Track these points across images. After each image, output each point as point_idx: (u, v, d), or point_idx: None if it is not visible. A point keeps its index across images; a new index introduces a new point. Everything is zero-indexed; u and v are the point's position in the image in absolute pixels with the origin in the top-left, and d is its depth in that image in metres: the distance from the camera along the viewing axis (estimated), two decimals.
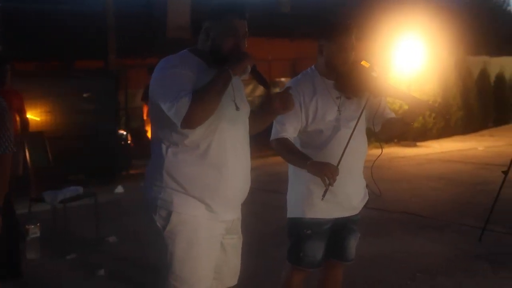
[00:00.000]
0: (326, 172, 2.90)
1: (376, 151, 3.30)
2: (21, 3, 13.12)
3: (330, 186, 2.91)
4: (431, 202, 7.64)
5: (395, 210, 7.08)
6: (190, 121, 2.46)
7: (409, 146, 13.20)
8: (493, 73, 18.29)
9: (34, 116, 9.23)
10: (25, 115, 6.84)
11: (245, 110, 2.81)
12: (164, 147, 2.65)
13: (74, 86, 10.19)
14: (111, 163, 10.15)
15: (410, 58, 13.65)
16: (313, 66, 3.27)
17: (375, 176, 3.25)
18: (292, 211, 3.26)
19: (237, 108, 2.73)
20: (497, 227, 6.08)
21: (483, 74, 17.66)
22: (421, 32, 13.53)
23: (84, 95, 10.64)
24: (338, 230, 3.29)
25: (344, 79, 3.13)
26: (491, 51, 20.85)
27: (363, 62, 3.11)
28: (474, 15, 23.73)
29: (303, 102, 3.13)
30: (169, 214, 2.62)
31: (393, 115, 3.32)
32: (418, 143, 13.64)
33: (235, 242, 2.88)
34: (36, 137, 6.37)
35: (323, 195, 2.96)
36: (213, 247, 2.71)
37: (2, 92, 6.47)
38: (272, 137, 3.20)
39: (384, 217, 6.69)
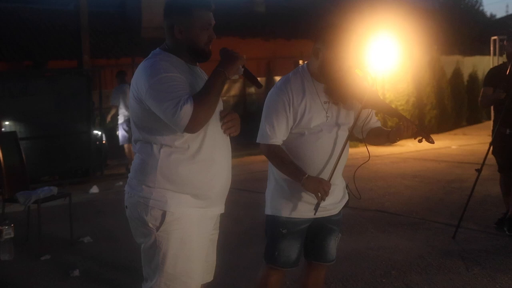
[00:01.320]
0: (321, 189, 2.94)
1: (358, 151, 3.30)
2: None
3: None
4: (405, 200, 7.71)
5: (369, 208, 7.13)
6: (194, 126, 2.50)
7: (383, 145, 13.31)
8: (466, 72, 18.51)
9: (7, 116, 9.17)
10: None
11: (219, 104, 2.80)
12: (156, 148, 2.65)
13: (47, 86, 10.10)
14: (85, 163, 10.08)
15: (383, 57, 13.74)
16: (304, 65, 3.21)
17: (349, 174, 3.28)
18: (269, 209, 3.25)
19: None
20: (470, 224, 6.17)
21: (457, 73, 17.86)
22: (395, 32, 13.63)
23: (58, 95, 10.55)
24: (317, 231, 3.27)
25: (335, 84, 3.06)
26: (464, 51, 21.14)
27: (357, 70, 3.06)
28: (447, 15, 24.02)
29: (291, 102, 3.07)
30: (164, 214, 2.63)
31: (379, 123, 3.31)
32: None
33: (214, 237, 2.91)
34: (9, 137, 6.28)
35: (315, 209, 3.02)
36: (204, 243, 2.75)
37: None
38: (261, 140, 3.14)
39: (358, 215, 6.73)
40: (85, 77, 10.35)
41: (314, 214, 3.05)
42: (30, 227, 5.96)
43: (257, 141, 3.18)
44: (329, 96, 3.11)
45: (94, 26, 12.18)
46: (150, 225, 2.65)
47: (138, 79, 2.62)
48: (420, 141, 3.16)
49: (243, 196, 7.52)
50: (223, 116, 2.76)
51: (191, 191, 2.66)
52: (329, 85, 3.09)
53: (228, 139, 2.84)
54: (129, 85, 3.65)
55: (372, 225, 6.46)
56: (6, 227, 5.45)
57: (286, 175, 3.12)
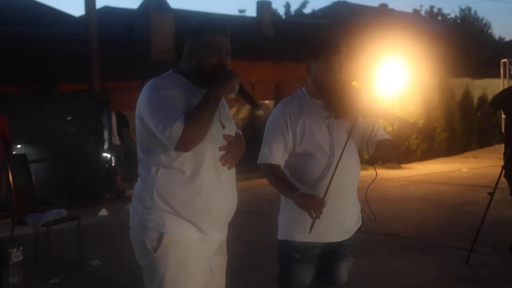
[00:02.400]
0: (312, 206, 2.91)
1: (368, 173, 3.27)
2: (4, 26, 13.15)
3: (316, 219, 2.92)
4: (416, 224, 7.64)
5: (380, 232, 7.06)
6: (185, 144, 2.46)
7: (393, 168, 13.25)
8: (476, 95, 18.46)
9: (17, 138, 9.21)
10: (8, 137, 6.81)
11: (231, 129, 2.79)
12: (153, 169, 2.63)
13: (57, 109, 10.16)
14: (94, 186, 10.08)
15: (392, 79, 13.76)
16: (303, 88, 3.23)
17: (361, 197, 3.24)
18: (282, 233, 3.21)
19: (223, 127, 2.72)
20: (483, 248, 6.07)
21: (466, 96, 17.83)
22: (404, 54, 13.66)
23: (68, 117, 10.62)
24: (329, 255, 3.22)
25: (333, 98, 3.07)
26: (473, 74, 21.11)
27: (354, 83, 3.06)
28: (456, 38, 24.08)
29: (289, 122, 3.09)
30: (161, 235, 2.59)
31: (387, 136, 3.26)
32: (402, 165, 13.70)
33: (221, 262, 2.86)
34: (19, 159, 6.30)
35: (310, 229, 2.95)
36: (203, 268, 2.69)
37: None
38: (260, 161, 3.16)
39: (369, 238, 6.65)
40: (95, 100, 10.40)
41: (309, 232, 2.97)
42: (39, 249, 5.93)
43: (257, 162, 3.19)
44: (328, 111, 3.11)
45: (103, 50, 12.26)
46: (149, 246, 2.62)
47: (140, 97, 2.63)
48: (421, 140, 3.16)
49: (253, 220, 7.47)
50: (228, 143, 2.72)
51: (189, 216, 2.61)
52: (325, 98, 3.10)
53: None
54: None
55: (383, 249, 6.39)
56: (15, 250, 5.42)
57: (280, 192, 3.13)
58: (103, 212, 8.91)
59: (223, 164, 2.68)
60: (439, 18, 39.02)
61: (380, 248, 6.42)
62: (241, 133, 2.90)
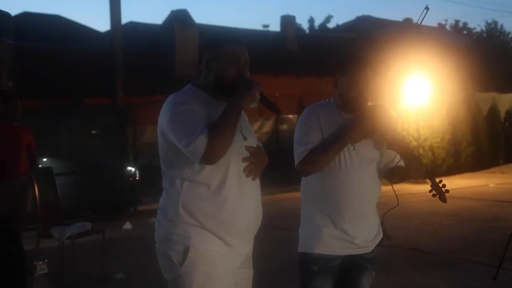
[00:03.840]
0: (369, 123, 2.99)
1: (386, 188, 3.24)
2: (32, 41, 13.35)
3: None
4: (441, 239, 7.55)
5: (404, 247, 6.99)
6: (210, 157, 2.47)
7: (419, 183, 13.08)
8: (502, 109, 18.24)
9: (43, 152, 9.31)
10: (34, 150, 6.87)
11: (252, 140, 2.78)
12: (178, 182, 2.64)
13: (82, 123, 10.27)
14: (119, 199, 10.14)
15: (418, 94, 13.69)
16: (331, 99, 3.22)
17: (383, 212, 3.22)
18: (301, 246, 3.21)
19: (245, 139, 2.72)
20: (511, 265, 5.97)
21: (493, 110, 17.63)
22: (429, 69, 13.59)
23: (93, 131, 10.73)
24: (350, 268, 3.20)
25: (356, 113, 3.07)
26: (500, 88, 20.89)
27: (382, 105, 3.10)
28: (482, 52, 23.88)
29: (320, 122, 3.07)
30: (186, 249, 2.59)
31: (401, 162, 3.23)
32: (428, 180, 13.55)
33: (247, 275, 2.84)
34: (44, 173, 6.37)
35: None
36: (229, 281, 2.68)
37: (12, 128, 6.55)
38: (298, 160, 3.08)
39: (393, 254, 6.60)
40: (119, 114, 10.49)
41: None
42: (64, 262, 5.97)
43: (295, 167, 3.11)
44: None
45: (127, 64, 12.37)
46: (174, 260, 2.61)
47: (161, 113, 2.65)
48: (434, 195, 3.17)
49: (275, 234, 7.44)
50: (250, 154, 2.71)
51: (215, 228, 2.60)
52: (355, 114, 3.08)
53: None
54: None
55: (408, 264, 6.32)
56: (40, 262, 5.43)
57: (335, 151, 3.01)
58: (128, 225, 8.96)
59: (247, 175, 2.67)
60: (465, 32, 38.76)
61: (405, 263, 6.35)
62: (261, 145, 2.90)
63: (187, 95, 2.68)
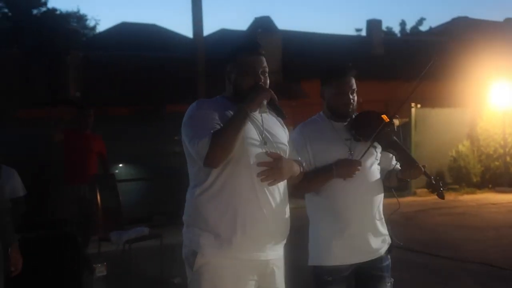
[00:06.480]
0: (353, 170, 2.99)
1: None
2: (129, 50, 14.00)
3: None
4: None
5: (470, 260, 6.72)
6: (211, 160, 2.52)
7: (504, 192, 12.55)
8: None
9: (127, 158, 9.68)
10: (106, 157, 7.18)
11: (275, 146, 2.75)
12: (193, 187, 2.70)
13: (165, 129, 10.53)
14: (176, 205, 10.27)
15: (505, 95, 13.18)
16: (321, 112, 3.29)
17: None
18: (312, 259, 3.21)
19: (265, 143, 2.70)
20: None
21: None
22: None
23: (175, 137, 11.00)
24: (364, 278, 3.19)
25: (357, 121, 3.14)
26: None
27: (383, 116, 3.09)
28: None
29: (308, 143, 3.13)
30: (195, 254, 2.63)
31: (398, 167, 3.24)
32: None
33: (271, 286, 2.78)
34: (107, 179, 6.63)
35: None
36: None
37: (84, 136, 6.89)
38: None
39: (456, 266, 6.38)
40: None
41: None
42: (123, 266, 6.17)
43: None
44: (349, 132, 3.14)
45: (210, 71, 12.63)
46: (187, 264, 2.68)
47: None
48: (432, 192, 3.11)
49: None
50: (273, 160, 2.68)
51: (221, 232, 2.60)
52: (344, 121, 3.17)
53: (281, 183, 2.74)
54: None
55: (472, 278, 6.09)
56: (100, 265, 5.66)
57: (319, 184, 3.09)
58: None
59: (262, 180, 2.63)
60: None
61: (469, 277, 6.12)
62: (298, 157, 2.91)
63: (206, 102, 2.75)
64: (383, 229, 3.21)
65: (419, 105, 13.58)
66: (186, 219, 2.73)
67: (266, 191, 2.67)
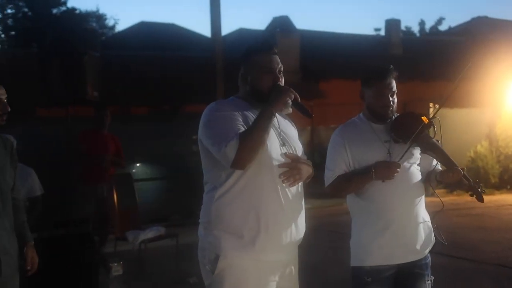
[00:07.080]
0: (393, 171, 2.98)
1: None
2: (148, 50, 14.05)
3: None
4: None
5: (489, 262, 6.66)
6: (240, 162, 2.52)
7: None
8: None
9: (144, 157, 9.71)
10: (123, 157, 7.21)
11: (292, 147, 2.77)
12: (212, 189, 2.69)
13: (183, 129, 10.57)
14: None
15: None
16: (360, 114, 3.30)
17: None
18: (353, 260, 3.23)
19: (283, 144, 2.72)
20: None
21: None
22: None
23: (194, 137, 11.03)
24: (405, 277, 3.19)
25: (396, 122, 3.15)
26: None
27: (423, 117, 3.08)
28: None
29: (347, 145, 3.15)
30: (216, 257, 2.63)
31: (439, 168, 3.22)
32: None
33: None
34: (124, 179, 6.67)
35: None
36: None
37: (101, 136, 6.92)
38: (327, 183, 3.19)
39: (473, 268, 6.33)
40: None
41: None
42: (139, 265, 6.20)
43: (325, 187, 3.21)
44: (390, 133, 3.15)
45: (228, 71, 12.64)
46: (207, 268, 2.67)
47: (200, 121, 2.71)
48: (471, 195, 3.13)
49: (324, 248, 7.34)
50: (290, 162, 2.69)
51: (244, 233, 2.60)
52: (384, 123, 3.17)
53: (297, 186, 2.75)
54: None
55: (490, 280, 6.04)
56: (116, 264, 5.69)
57: (359, 186, 3.11)
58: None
59: (283, 181, 2.65)
60: None
61: (486, 279, 6.06)
62: (305, 157, 2.90)
63: (225, 103, 2.76)
64: (427, 229, 3.22)
65: (437, 105, 13.45)
66: (204, 223, 2.71)
67: (287, 191, 2.69)
